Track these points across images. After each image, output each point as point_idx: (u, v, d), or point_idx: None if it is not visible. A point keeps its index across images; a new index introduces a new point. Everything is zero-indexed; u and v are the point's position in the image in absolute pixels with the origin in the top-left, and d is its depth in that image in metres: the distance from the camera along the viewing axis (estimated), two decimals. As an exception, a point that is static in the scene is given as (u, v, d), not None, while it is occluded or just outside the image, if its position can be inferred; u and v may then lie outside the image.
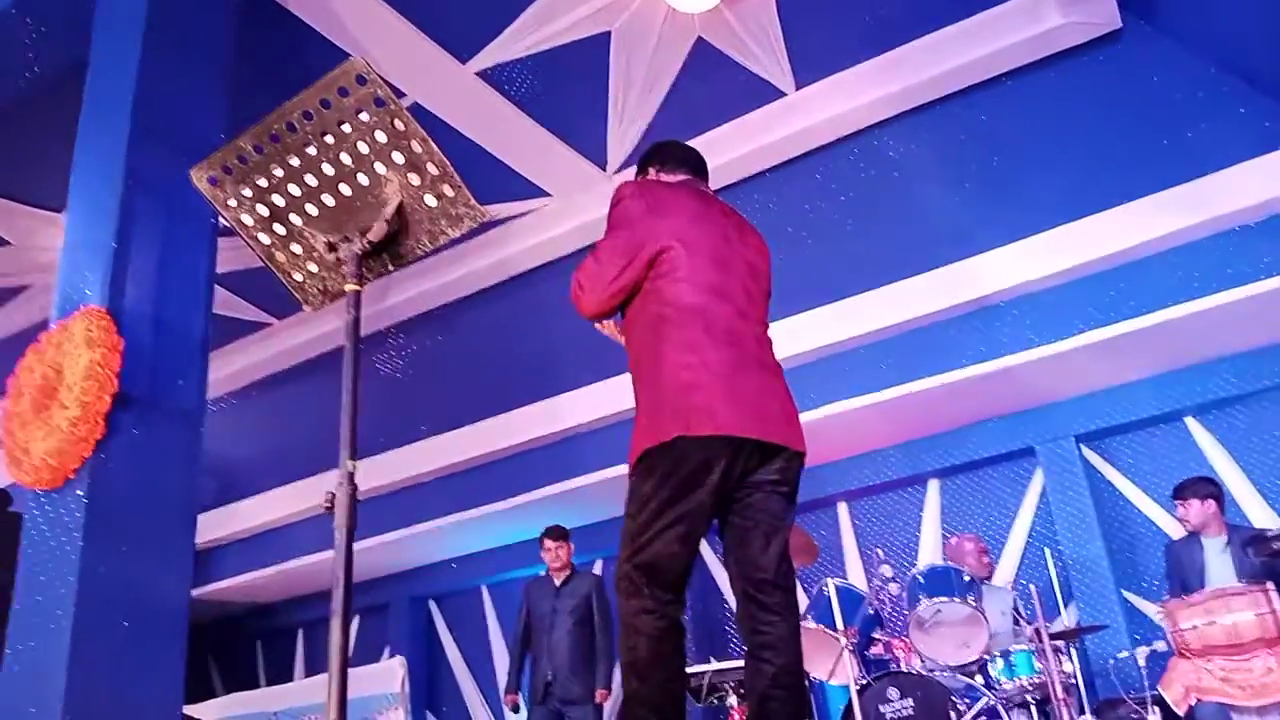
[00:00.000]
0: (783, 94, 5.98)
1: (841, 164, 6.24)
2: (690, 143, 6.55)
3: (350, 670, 1.76)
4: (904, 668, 4.79)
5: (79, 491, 3.44)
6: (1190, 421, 6.24)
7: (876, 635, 5.09)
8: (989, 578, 5.59)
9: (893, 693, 4.31)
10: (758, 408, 2.33)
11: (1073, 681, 4.71)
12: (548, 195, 6.63)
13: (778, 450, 2.35)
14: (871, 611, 4.96)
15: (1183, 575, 4.92)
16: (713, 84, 5.85)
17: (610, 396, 6.68)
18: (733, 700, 5.13)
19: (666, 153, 2.87)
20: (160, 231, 3.92)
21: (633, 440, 2.34)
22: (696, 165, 2.85)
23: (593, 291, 2.44)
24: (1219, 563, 4.83)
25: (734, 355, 2.37)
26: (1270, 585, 4.22)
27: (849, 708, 4.31)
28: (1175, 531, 5.89)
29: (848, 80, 5.85)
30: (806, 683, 5.22)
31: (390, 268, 2.17)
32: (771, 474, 2.35)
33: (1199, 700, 4.29)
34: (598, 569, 8.14)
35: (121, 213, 3.81)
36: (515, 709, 5.80)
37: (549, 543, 5.85)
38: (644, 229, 2.45)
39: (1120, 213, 5.55)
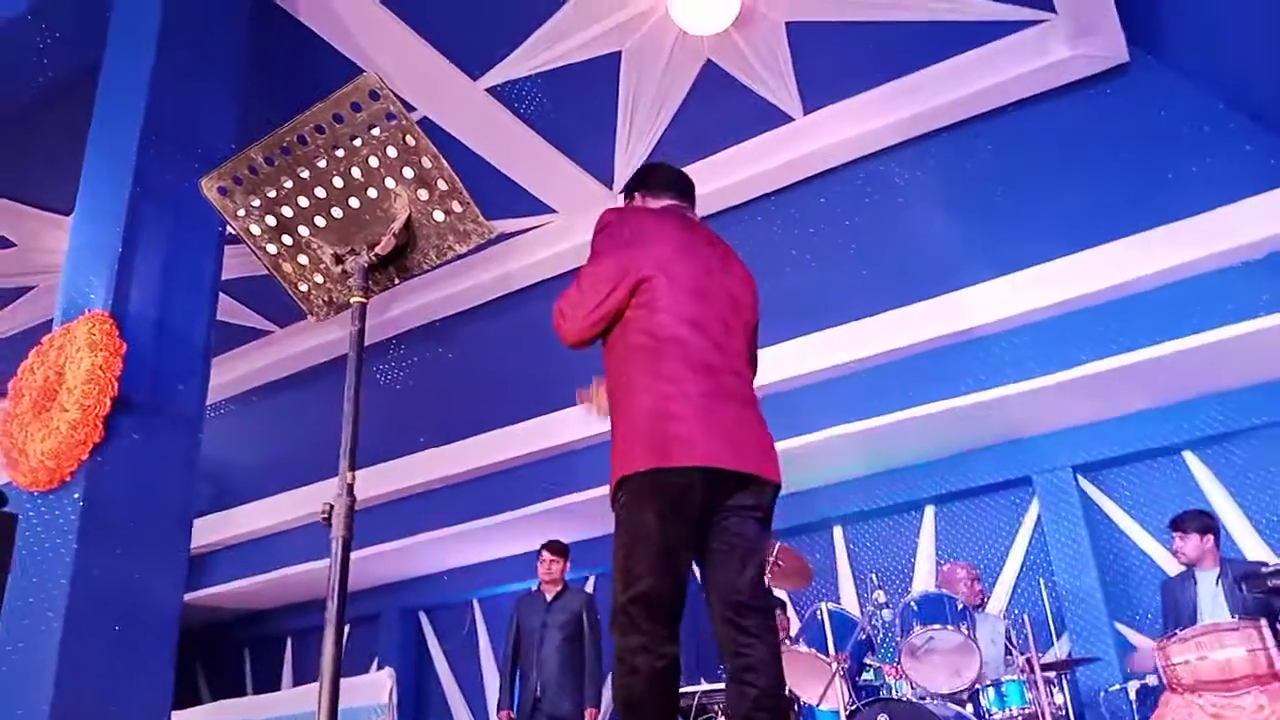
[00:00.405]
0: (790, 118, 6.01)
1: (847, 189, 6.27)
2: (697, 164, 6.64)
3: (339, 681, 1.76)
4: (895, 694, 4.78)
5: (75, 494, 3.44)
6: (1188, 455, 6.24)
7: (868, 661, 5.08)
8: (981, 606, 5.58)
9: (883, 719, 4.30)
10: (734, 439, 2.37)
11: (1063, 713, 4.71)
12: (554, 212, 6.66)
13: (752, 479, 2.38)
14: (864, 637, 4.95)
15: (1176, 612, 4.92)
16: (721, 106, 5.88)
17: (609, 414, 6.67)
18: (722, 722, 5.11)
19: (654, 176, 2.87)
20: (166, 237, 3.94)
21: (612, 467, 2.38)
22: (683, 189, 2.85)
23: (574, 320, 2.47)
24: (1212, 597, 4.83)
25: (711, 386, 2.39)
26: (1263, 622, 4.21)
27: (839, 733, 4.30)
28: (1170, 565, 5.89)
29: (855, 106, 5.88)
30: (793, 706, 5.21)
31: (396, 280, 2.18)
32: (746, 500, 2.38)
33: (1190, 736, 4.28)
34: (590, 585, 8.12)
35: (129, 217, 3.83)
36: None
37: (547, 555, 5.87)
38: (628, 257, 2.47)
39: (1123, 245, 5.58)
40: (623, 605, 2.23)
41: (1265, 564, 4.47)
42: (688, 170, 6.59)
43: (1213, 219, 5.35)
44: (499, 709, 5.90)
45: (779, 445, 6.44)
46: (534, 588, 6.03)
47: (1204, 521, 4.99)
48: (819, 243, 6.47)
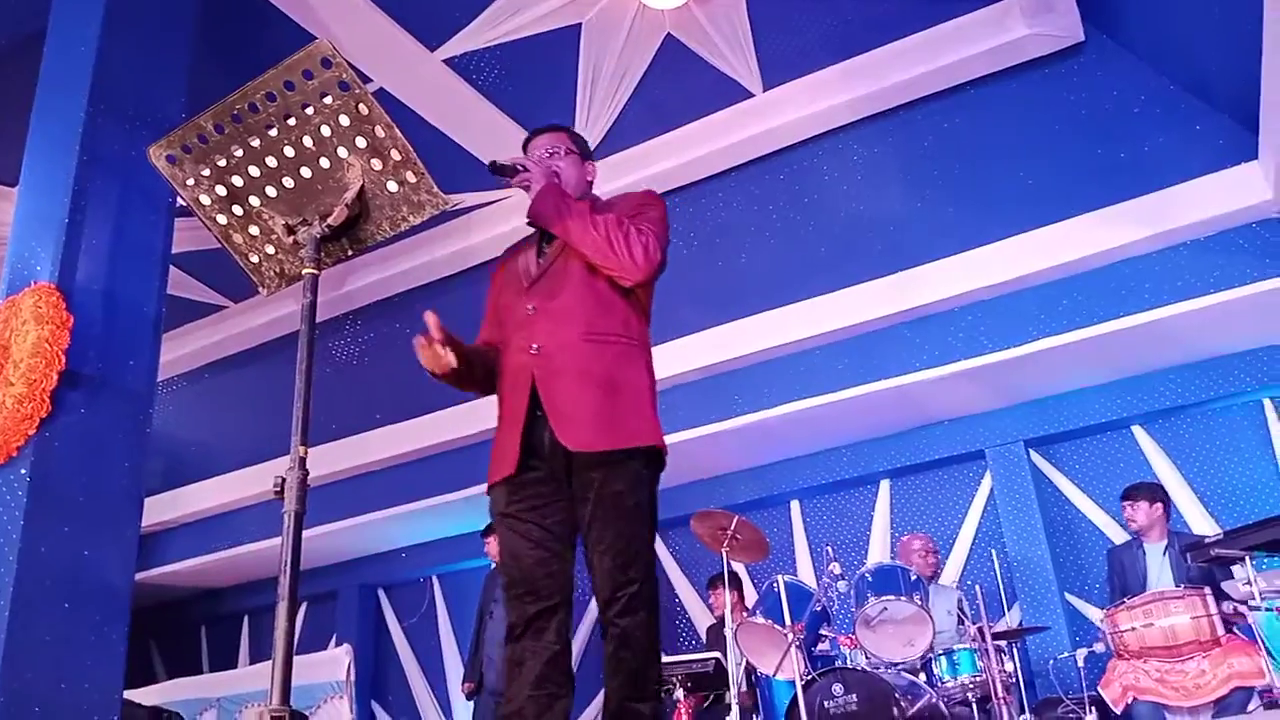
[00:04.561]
0: (750, 94, 6.01)
1: (806, 165, 6.29)
2: (656, 139, 6.60)
3: (295, 657, 1.75)
4: (849, 664, 4.85)
5: (22, 470, 3.38)
6: (1137, 430, 6.37)
7: (824, 631, 5.15)
8: (934, 577, 5.68)
9: (837, 688, 4.36)
10: None
11: (1013, 681, 4.81)
12: (511, 186, 6.60)
13: None
14: (819, 608, 5.01)
15: (1124, 580, 5.04)
16: (681, 81, 5.87)
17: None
18: (679, 693, 5.16)
19: None
20: (115, 209, 3.86)
21: (637, 419, 2.35)
22: None
23: (657, 263, 2.44)
24: (1159, 567, 4.95)
25: None
26: (1207, 590, 4.33)
27: (794, 702, 4.36)
28: (1118, 536, 6.02)
29: (815, 83, 5.90)
30: (751, 676, 5.27)
31: (349, 253, 2.15)
32: None
33: (1135, 699, 4.40)
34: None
35: (76, 188, 3.75)
36: (469, 697, 5.79)
37: (485, 539, 6.01)
38: None
39: (1076, 223, 5.65)
40: (653, 578, 2.29)
41: (1208, 536, 4.59)
42: (648, 145, 6.58)
43: (1164, 198, 5.43)
44: (463, 681, 5.93)
45: (738, 421, 6.48)
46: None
47: (1156, 492, 5.13)
48: (778, 219, 6.49)
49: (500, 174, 2.53)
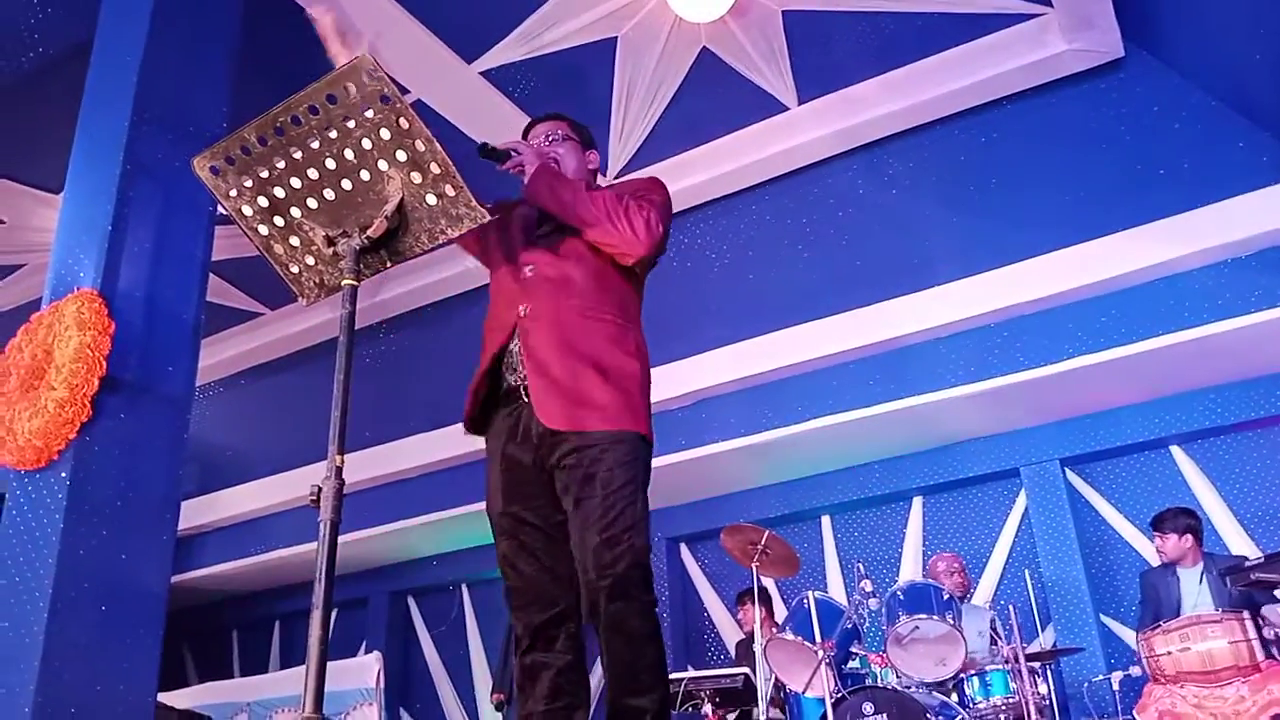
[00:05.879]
0: (785, 108, 6.00)
1: (840, 180, 6.27)
2: (691, 152, 6.60)
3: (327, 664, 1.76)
4: (880, 682, 4.81)
5: (62, 473, 3.42)
6: (1175, 450, 6.28)
7: (854, 649, 5.10)
8: (963, 597, 5.61)
9: (868, 707, 4.32)
10: None
11: (1047, 703, 4.74)
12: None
13: None
14: (850, 625, 4.97)
15: (1157, 604, 4.96)
16: (716, 94, 5.87)
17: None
18: (708, 709, 5.14)
19: None
20: (157, 217, 3.91)
21: (623, 404, 2.24)
22: None
23: (660, 238, 2.36)
24: (1195, 592, 4.86)
25: None
26: (1246, 614, 4.25)
27: (824, 720, 4.33)
28: (1155, 558, 5.93)
29: (850, 97, 5.88)
30: (780, 693, 5.23)
31: (388, 264, 2.16)
32: None
33: (1172, 726, 4.32)
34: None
35: (119, 196, 3.79)
36: (498, 707, 5.79)
37: None
38: None
39: (1114, 240, 5.59)
40: (645, 562, 2.13)
41: (1247, 558, 4.51)
42: (682, 158, 6.58)
43: (1204, 215, 5.36)
44: (492, 691, 5.93)
45: (770, 435, 6.47)
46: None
47: (1184, 521, 5.02)
48: (811, 233, 6.47)
49: (491, 158, 2.45)
